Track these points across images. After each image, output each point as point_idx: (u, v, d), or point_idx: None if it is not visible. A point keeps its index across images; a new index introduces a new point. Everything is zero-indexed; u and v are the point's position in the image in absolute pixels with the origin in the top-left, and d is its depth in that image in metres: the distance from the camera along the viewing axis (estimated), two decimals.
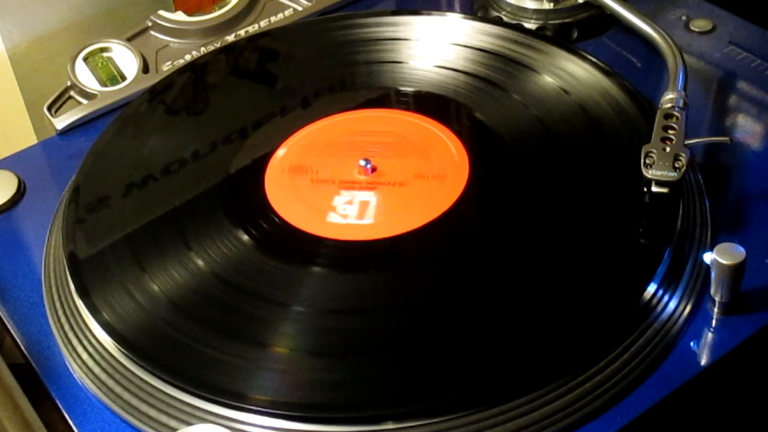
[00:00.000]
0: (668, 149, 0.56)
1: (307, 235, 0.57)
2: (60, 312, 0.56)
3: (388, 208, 0.58)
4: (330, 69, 0.70)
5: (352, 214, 0.58)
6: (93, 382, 0.52)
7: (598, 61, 0.66)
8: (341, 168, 0.61)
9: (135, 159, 0.64)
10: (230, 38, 0.76)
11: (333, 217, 0.58)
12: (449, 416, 0.48)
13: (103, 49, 0.74)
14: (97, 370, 0.53)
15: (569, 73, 0.66)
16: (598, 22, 0.72)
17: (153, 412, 0.50)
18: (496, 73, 0.67)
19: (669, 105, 0.59)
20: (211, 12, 0.76)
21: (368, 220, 0.58)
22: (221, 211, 0.59)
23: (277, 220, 0.58)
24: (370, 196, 0.59)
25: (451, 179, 0.60)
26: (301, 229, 0.58)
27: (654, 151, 0.56)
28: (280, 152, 0.63)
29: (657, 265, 0.53)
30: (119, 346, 0.52)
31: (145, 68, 0.73)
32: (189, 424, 0.49)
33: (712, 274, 0.51)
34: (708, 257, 0.51)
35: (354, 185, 0.60)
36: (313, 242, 0.57)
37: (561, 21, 0.72)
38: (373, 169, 0.61)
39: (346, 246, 0.56)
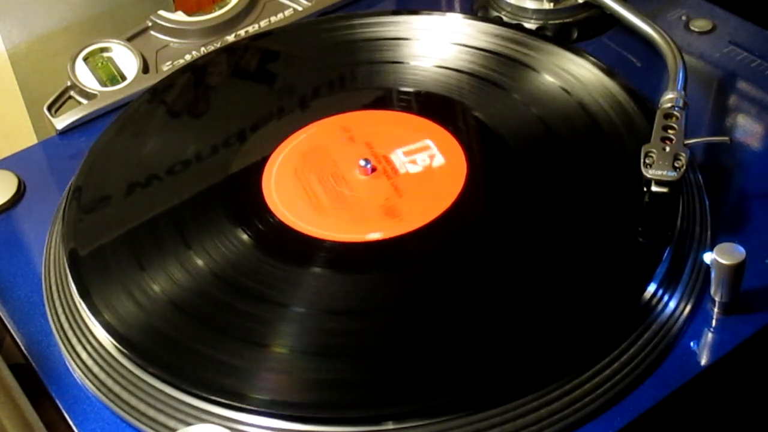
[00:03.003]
0: (668, 149, 0.56)
1: (307, 236, 0.57)
2: (60, 312, 0.56)
3: (418, 188, 0.59)
4: (330, 69, 0.70)
5: (423, 161, 0.60)
6: (93, 382, 0.52)
7: (598, 61, 0.66)
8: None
9: (135, 159, 0.64)
10: (230, 38, 0.76)
11: (410, 167, 0.60)
12: (449, 416, 0.48)
13: (103, 49, 0.74)
14: (96, 370, 0.53)
15: (569, 72, 0.66)
16: (598, 22, 0.72)
17: (153, 412, 0.50)
18: (496, 73, 0.67)
19: (669, 105, 0.59)
20: (211, 12, 0.76)
21: (440, 160, 0.60)
22: (221, 211, 0.59)
23: (276, 220, 0.58)
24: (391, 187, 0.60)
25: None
26: (301, 230, 0.58)
27: (654, 150, 0.56)
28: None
29: (657, 264, 0.53)
30: (119, 346, 0.52)
31: (145, 68, 0.73)
32: (189, 424, 0.49)
33: (712, 274, 0.51)
34: (708, 257, 0.51)
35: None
36: (313, 242, 0.57)
37: (561, 21, 0.72)
38: (373, 169, 0.61)
39: (346, 246, 0.56)
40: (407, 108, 0.66)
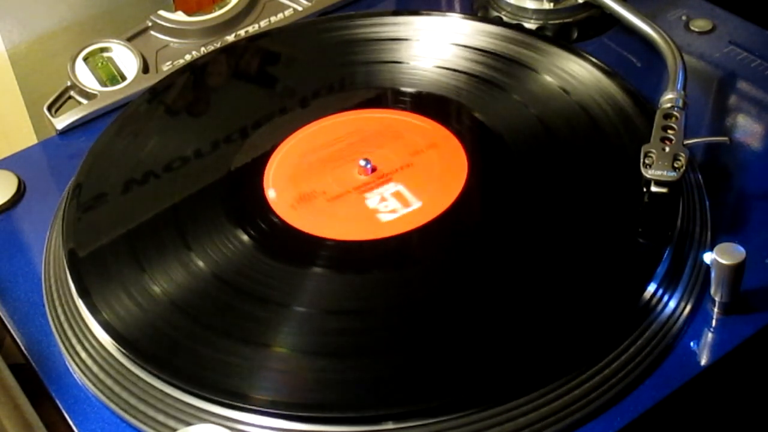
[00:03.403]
0: (667, 149, 0.56)
1: (307, 236, 0.57)
2: (60, 312, 0.56)
3: (419, 186, 0.59)
4: (330, 69, 0.70)
5: (396, 206, 0.58)
6: (93, 382, 0.52)
7: (598, 61, 0.66)
8: (343, 171, 0.61)
9: (135, 159, 0.64)
10: (230, 38, 0.76)
11: (384, 217, 0.58)
12: (449, 416, 0.48)
13: (103, 49, 0.74)
14: (96, 370, 0.53)
15: (569, 73, 0.66)
16: (598, 22, 0.72)
17: (153, 412, 0.50)
18: (496, 73, 0.67)
19: (668, 105, 0.59)
20: (211, 12, 0.76)
21: (416, 204, 0.58)
22: (221, 211, 0.59)
23: (276, 219, 0.58)
24: (394, 186, 0.59)
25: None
26: (301, 230, 0.58)
27: (653, 151, 0.56)
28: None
29: (657, 264, 0.53)
30: (119, 346, 0.52)
31: (145, 68, 0.73)
32: (189, 424, 0.49)
33: (712, 274, 0.51)
34: (708, 257, 0.51)
35: (369, 186, 0.60)
36: (313, 242, 0.57)
37: (561, 21, 0.72)
38: (373, 169, 0.61)
39: (346, 246, 0.56)
40: (407, 108, 0.66)
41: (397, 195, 0.59)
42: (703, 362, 0.50)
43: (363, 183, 0.60)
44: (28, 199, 0.65)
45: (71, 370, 0.54)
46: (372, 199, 0.59)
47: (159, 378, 0.51)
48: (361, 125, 0.65)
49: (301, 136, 0.65)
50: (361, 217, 0.58)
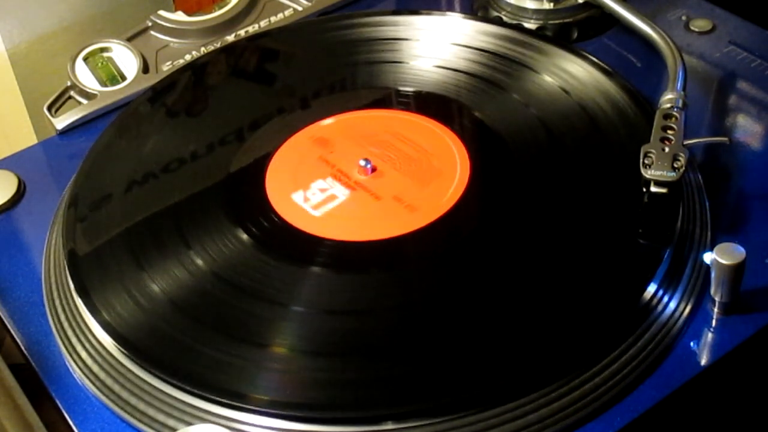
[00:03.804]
0: (667, 149, 0.56)
1: (307, 235, 0.57)
2: (60, 312, 0.56)
3: (346, 212, 0.59)
4: (330, 69, 0.70)
5: (313, 201, 0.59)
6: (93, 382, 0.52)
7: (598, 61, 0.66)
8: (347, 159, 0.62)
9: (135, 159, 0.64)
10: (230, 38, 0.76)
11: (297, 197, 0.59)
12: (449, 416, 0.48)
13: (103, 49, 0.74)
14: (96, 369, 0.53)
15: (569, 73, 0.66)
16: (598, 22, 0.72)
17: (153, 412, 0.50)
18: (496, 73, 0.67)
19: (668, 105, 0.59)
20: (211, 12, 0.76)
21: (318, 213, 0.58)
22: (221, 211, 0.59)
23: (277, 219, 0.58)
24: (342, 194, 0.60)
25: (451, 179, 0.60)
26: (302, 229, 0.58)
27: (653, 151, 0.56)
28: (273, 165, 0.62)
29: (657, 265, 0.53)
30: (119, 346, 0.52)
31: (145, 68, 0.73)
32: (189, 424, 0.49)
33: (712, 274, 0.51)
34: (708, 257, 0.51)
35: (342, 178, 0.61)
36: (313, 242, 0.57)
37: (561, 21, 0.72)
38: (374, 169, 0.61)
39: (346, 246, 0.56)
40: (407, 108, 0.66)
41: (328, 198, 0.60)
42: (703, 362, 0.50)
43: (345, 173, 0.61)
44: (28, 199, 0.65)
45: (71, 370, 0.54)
46: (319, 184, 0.60)
47: (159, 378, 0.51)
48: (361, 125, 0.65)
49: (301, 136, 0.65)
50: (294, 182, 0.59)
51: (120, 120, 0.68)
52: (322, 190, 0.60)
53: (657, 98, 0.61)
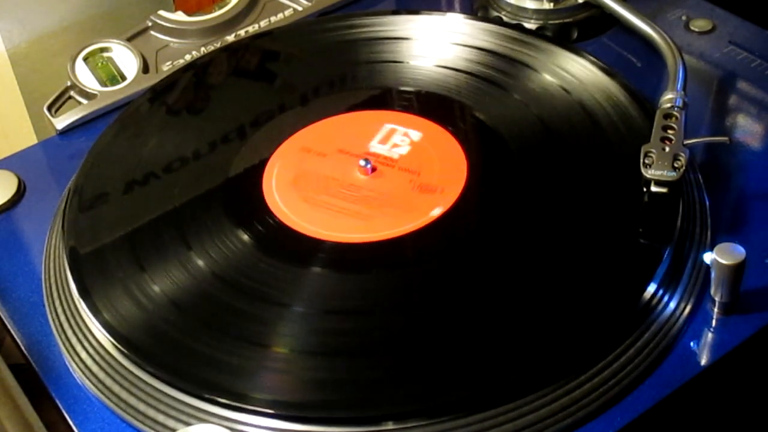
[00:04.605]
0: (667, 149, 0.56)
1: (307, 236, 0.57)
2: (60, 312, 0.56)
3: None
4: (330, 69, 0.70)
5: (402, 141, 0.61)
6: (93, 382, 0.52)
7: (598, 61, 0.66)
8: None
9: (135, 159, 0.64)
10: (230, 38, 0.76)
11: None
12: (449, 416, 0.48)
13: (103, 49, 0.74)
14: (96, 370, 0.53)
15: (569, 72, 0.66)
16: (598, 22, 0.72)
17: (153, 412, 0.50)
18: (496, 73, 0.67)
19: (668, 105, 0.59)
20: (211, 12, 0.76)
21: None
22: (221, 211, 0.59)
23: (277, 220, 0.58)
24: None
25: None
26: (301, 230, 0.58)
27: (653, 150, 0.56)
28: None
29: (657, 265, 0.53)
30: (119, 346, 0.52)
31: (145, 68, 0.73)
32: (189, 424, 0.49)
33: (712, 274, 0.51)
34: (708, 257, 0.51)
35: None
36: (313, 243, 0.57)
37: (561, 21, 0.72)
38: (374, 169, 0.61)
39: (346, 246, 0.56)
40: (407, 108, 0.66)
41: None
42: (703, 362, 0.50)
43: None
44: (28, 199, 0.65)
45: (71, 370, 0.54)
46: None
47: (159, 378, 0.51)
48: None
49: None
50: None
51: (120, 120, 0.68)
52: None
53: (657, 98, 0.61)
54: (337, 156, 0.63)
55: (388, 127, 0.64)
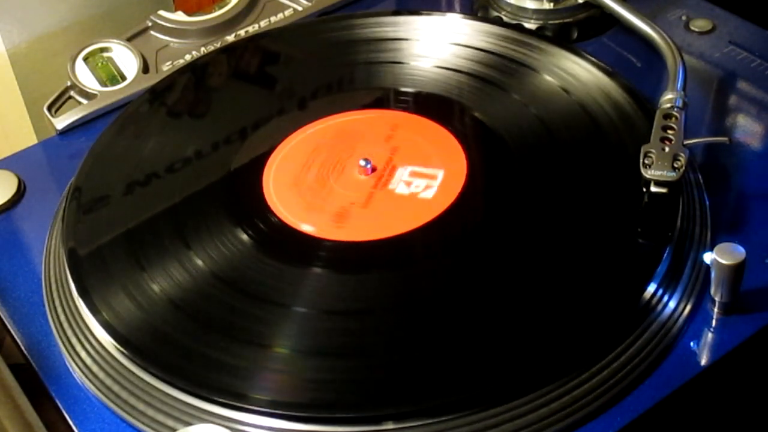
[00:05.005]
0: (667, 149, 0.56)
1: (307, 236, 0.57)
2: (60, 312, 0.56)
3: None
4: (330, 69, 0.70)
5: (426, 183, 0.59)
6: (93, 382, 0.52)
7: (598, 61, 0.66)
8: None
9: (135, 159, 0.64)
10: (230, 38, 0.76)
11: (425, 194, 0.58)
12: (449, 416, 0.48)
13: (103, 49, 0.74)
14: (96, 370, 0.53)
15: (569, 72, 0.66)
16: (598, 22, 0.72)
17: (153, 412, 0.50)
18: (496, 73, 0.67)
19: (668, 105, 0.59)
20: (211, 12, 0.76)
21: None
22: (221, 211, 0.59)
23: (276, 220, 0.58)
24: (405, 169, 0.60)
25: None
26: (301, 230, 0.58)
27: (653, 151, 0.56)
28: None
29: (657, 265, 0.53)
30: (119, 346, 0.52)
31: (145, 68, 0.73)
32: (189, 424, 0.49)
33: (712, 274, 0.51)
34: (708, 257, 0.51)
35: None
36: (313, 243, 0.57)
37: (561, 21, 0.72)
38: (374, 169, 0.61)
39: (346, 246, 0.56)
40: (407, 108, 0.66)
41: (417, 174, 0.60)
42: (703, 362, 0.50)
43: (375, 181, 0.60)
44: (28, 199, 0.65)
45: (71, 370, 0.54)
46: (399, 187, 0.59)
47: (159, 378, 0.51)
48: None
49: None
50: (404, 207, 0.58)
51: (120, 120, 0.68)
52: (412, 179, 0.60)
53: (657, 98, 0.61)
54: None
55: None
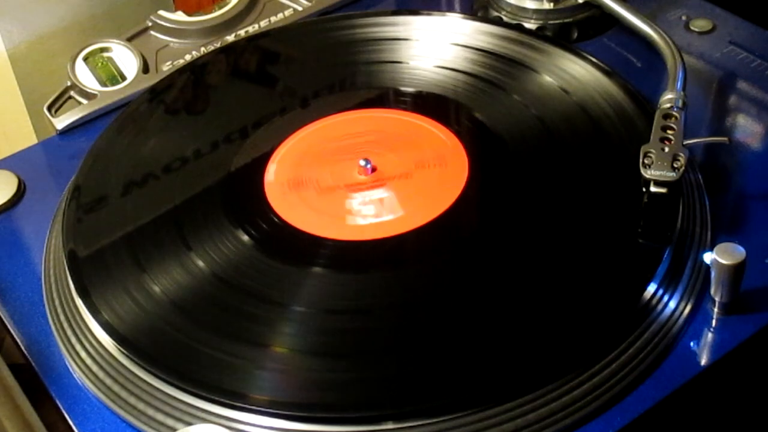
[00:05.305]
0: (667, 149, 0.56)
1: (307, 235, 0.57)
2: (60, 312, 0.56)
3: (419, 187, 0.59)
4: (330, 69, 0.70)
5: (370, 213, 0.58)
6: (93, 382, 0.52)
7: (598, 61, 0.66)
8: (342, 171, 0.61)
9: (135, 159, 0.64)
10: (230, 38, 0.76)
11: (354, 220, 0.58)
12: (449, 416, 0.48)
13: (103, 49, 0.74)
14: (96, 369, 0.53)
15: (569, 73, 0.66)
16: (598, 22, 0.72)
17: (153, 412, 0.50)
18: (496, 73, 0.67)
19: (668, 105, 0.59)
20: (211, 12, 0.76)
21: (390, 216, 0.58)
22: (221, 211, 0.59)
23: (276, 219, 0.58)
24: (382, 193, 0.59)
25: (451, 179, 0.60)
26: (301, 230, 0.58)
27: (653, 151, 0.56)
28: (273, 166, 0.62)
29: (657, 265, 0.53)
30: (119, 346, 0.52)
31: (145, 68, 0.73)
32: (189, 424, 0.49)
33: (712, 274, 0.51)
34: (708, 257, 0.51)
35: (361, 186, 0.60)
36: (312, 242, 0.57)
37: (561, 21, 0.72)
38: (373, 169, 0.61)
39: (346, 246, 0.56)
40: (407, 108, 0.66)
41: (381, 202, 0.59)
42: (703, 362, 0.50)
43: (357, 182, 0.60)
44: (28, 199, 0.65)
45: (71, 370, 0.54)
46: (354, 201, 0.59)
47: (159, 378, 0.51)
48: (361, 125, 0.65)
49: (301, 137, 0.65)
50: (333, 215, 0.58)
51: (120, 120, 0.68)
52: (366, 203, 0.60)
53: (657, 98, 0.61)
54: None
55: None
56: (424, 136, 0.63)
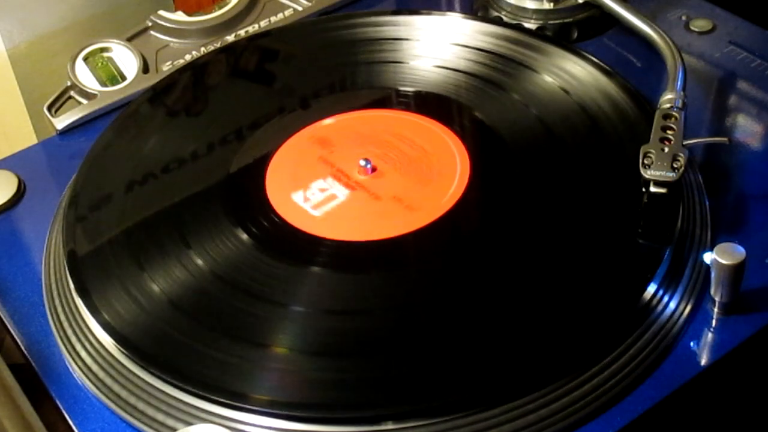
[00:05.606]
0: (667, 149, 0.56)
1: (307, 235, 0.57)
2: (60, 312, 0.56)
3: (346, 211, 0.58)
4: (330, 69, 0.70)
5: (313, 201, 0.59)
6: (93, 382, 0.52)
7: (598, 61, 0.66)
8: (347, 159, 0.62)
9: (135, 159, 0.64)
10: (230, 38, 0.76)
11: (297, 197, 0.59)
12: (449, 416, 0.48)
13: (103, 49, 0.74)
14: (96, 369, 0.53)
15: (569, 73, 0.66)
16: (598, 22, 0.72)
17: (153, 412, 0.50)
18: (496, 73, 0.67)
19: (668, 105, 0.59)
20: (211, 12, 0.76)
21: (318, 213, 0.58)
22: (221, 211, 0.59)
23: (277, 219, 0.58)
24: (342, 194, 0.59)
25: (451, 180, 0.60)
26: (301, 229, 0.58)
27: (652, 151, 0.56)
28: (273, 166, 0.63)
29: (657, 265, 0.53)
30: (119, 346, 0.52)
31: (145, 68, 0.73)
32: (189, 424, 0.49)
33: (712, 274, 0.51)
34: (708, 257, 0.51)
35: (342, 178, 0.60)
36: (313, 242, 0.57)
37: (561, 21, 0.72)
38: (373, 169, 0.61)
39: (346, 246, 0.56)
40: (407, 108, 0.66)
41: (328, 198, 0.60)
42: (703, 362, 0.50)
43: (345, 173, 0.61)
44: (28, 199, 0.65)
45: (71, 370, 0.54)
46: (319, 183, 0.60)
47: (159, 378, 0.51)
48: (361, 125, 0.65)
49: (301, 136, 0.65)
50: (295, 180, 0.60)
51: (120, 120, 0.68)
52: (322, 190, 0.60)
53: (657, 98, 0.61)
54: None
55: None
56: (424, 136, 0.63)
